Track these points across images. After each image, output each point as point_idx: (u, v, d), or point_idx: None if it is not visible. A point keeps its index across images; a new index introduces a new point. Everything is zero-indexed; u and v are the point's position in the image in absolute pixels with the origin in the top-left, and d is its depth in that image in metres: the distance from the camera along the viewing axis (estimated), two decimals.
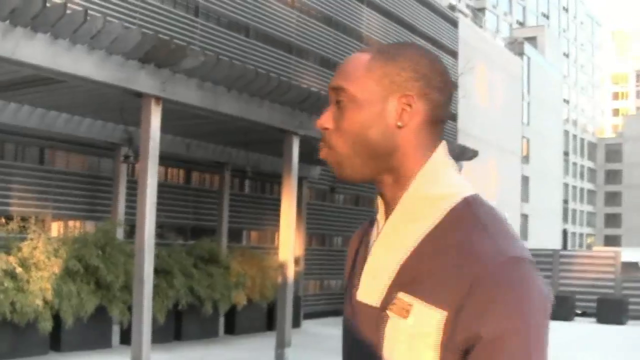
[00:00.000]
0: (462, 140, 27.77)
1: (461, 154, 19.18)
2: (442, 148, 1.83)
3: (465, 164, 20.69)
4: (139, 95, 10.49)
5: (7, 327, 12.59)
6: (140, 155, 10.68)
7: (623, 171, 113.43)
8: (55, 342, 13.70)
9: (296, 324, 16.09)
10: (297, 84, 14.92)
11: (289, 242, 13.45)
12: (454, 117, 30.77)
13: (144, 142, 10.59)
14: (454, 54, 31.18)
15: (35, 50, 8.98)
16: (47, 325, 12.97)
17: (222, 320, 17.45)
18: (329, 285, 23.10)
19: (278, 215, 16.83)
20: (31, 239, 13.57)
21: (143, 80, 10.29)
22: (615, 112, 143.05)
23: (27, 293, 12.60)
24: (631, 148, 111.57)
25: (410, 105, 1.78)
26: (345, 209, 23.91)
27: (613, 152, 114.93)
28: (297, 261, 14.33)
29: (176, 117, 12.01)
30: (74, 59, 9.40)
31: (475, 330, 1.63)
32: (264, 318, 18.45)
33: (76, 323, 13.47)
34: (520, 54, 56.60)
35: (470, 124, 31.26)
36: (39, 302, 12.71)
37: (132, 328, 10.61)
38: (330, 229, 23.18)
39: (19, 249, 13.30)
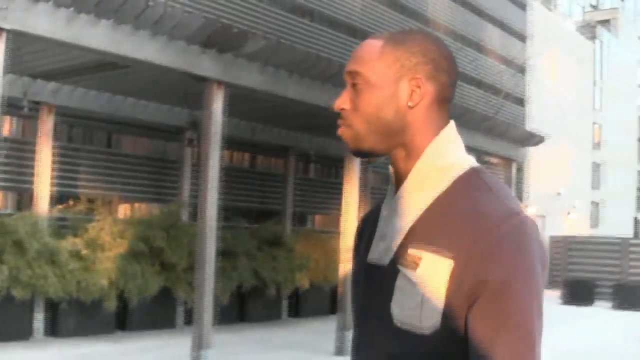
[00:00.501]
0: (531, 125, 27.53)
1: (528, 140, 19.08)
2: (450, 126, 1.98)
3: (533, 149, 20.58)
4: (202, 79, 10.65)
5: (75, 307, 12.91)
6: (203, 139, 10.84)
7: None
8: (122, 321, 13.99)
9: None
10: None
11: (352, 225, 13.52)
12: (522, 102, 30.48)
13: (206, 126, 10.76)
14: (522, 38, 30.86)
15: (99, 36, 9.18)
16: (112, 304, 13.25)
17: (285, 303, 17.60)
18: None
19: (337, 199, 16.91)
20: (98, 221, 13.85)
21: (205, 65, 10.45)
22: None
23: (93, 273, 12.88)
24: None
25: (419, 87, 1.93)
26: None
27: None
28: None
29: (241, 101, 12.13)
30: (137, 44, 9.59)
31: (482, 277, 1.78)
32: (328, 301, 18.51)
33: (141, 303, 13.74)
34: (593, 37, 55.65)
35: (539, 109, 30.95)
36: (104, 281, 12.99)
37: (195, 309, 10.79)
38: None
39: (86, 230, 13.58)
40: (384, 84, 1.95)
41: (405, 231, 1.93)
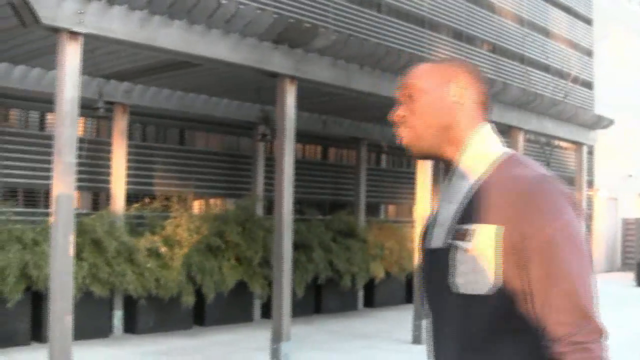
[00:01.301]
0: (599, 109, 27.19)
1: (597, 123, 18.88)
2: (488, 124, 2.43)
3: (601, 132, 20.35)
4: (274, 75, 10.73)
5: (154, 303, 13.10)
6: (277, 134, 10.93)
7: None
8: (199, 316, 14.16)
9: None
10: (430, 58, 14.92)
11: (424, 214, 13.53)
12: (589, 86, 30.12)
13: (280, 121, 10.85)
14: (588, 21, 30.50)
15: (173, 37, 9.31)
16: (190, 299, 13.43)
17: (360, 294, 17.66)
18: None
19: (414, 189, 16.86)
20: (174, 217, 14.04)
21: (277, 61, 10.53)
22: None
23: (170, 269, 13.06)
24: None
25: (464, 87, 2.38)
26: None
27: None
28: None
29: (311, 95, 12.21)
30: (210, 43, 9.69)
31: (527, 231, 2.13)
32: (403, 291, 18.55)
33: (218, 298, 13.90)
34: None
35: (607, 92, 30.53)
36: (182, 277, 13.16)
37: (273, 302, 10.89)
38: None
39: (163, 227, 13.77)
40: (434, 88, 2.38)
41: (458, 213, 2.28)
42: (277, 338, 10.72)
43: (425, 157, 2.49)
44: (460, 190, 2.33)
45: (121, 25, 8.80)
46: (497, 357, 2.19)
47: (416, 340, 13.26)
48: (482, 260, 2.16)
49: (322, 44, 10.80)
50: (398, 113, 2.45)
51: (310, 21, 13.55)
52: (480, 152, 2.36)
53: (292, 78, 10.80)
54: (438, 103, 2.38)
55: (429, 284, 2.40)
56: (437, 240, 2.34)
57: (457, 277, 2.23)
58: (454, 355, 2.27)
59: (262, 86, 12.90)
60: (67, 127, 8.41)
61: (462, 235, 2.23)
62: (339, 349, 12.68)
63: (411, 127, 2.41)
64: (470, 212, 2.25)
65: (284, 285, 10.74)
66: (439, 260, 2.30)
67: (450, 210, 2.33)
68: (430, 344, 2.42)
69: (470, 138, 2.38)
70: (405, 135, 2.44)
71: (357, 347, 12.89)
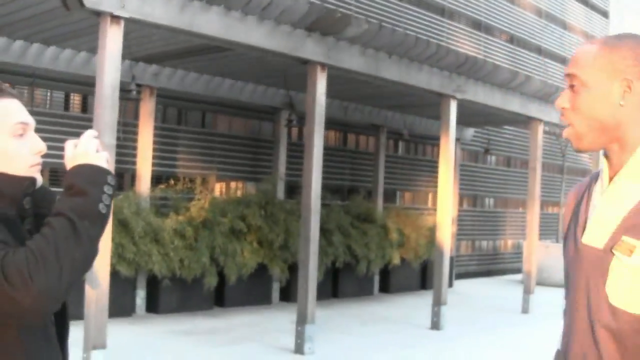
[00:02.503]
0: None
1: None
2: None
3: None
4: (305, 62, 10.89)
5: (177, 284, 13.29)
6: (307, 120, 11.07)
7: None
8: (219, 298, 14.34)
9: (449, 283, 16.36)
10: (453, 48, 15.07)
11: (447, 203, 13.70)
12: None
13: (309, 107, 11.00)
14: (605, 14, 30.54)
15: (211, 22, 9.47)
16: (212, 281, 13.62)
17: (377, 279, 17.84)
18: (480, 246, 23.19)
19: (431, 177, 17.02)
20: (198, 199, 14.20)
21: (309, 48, 10.69)
22: None
23: (194, 250, 13.24)
24: None
25: (630, 88, 2.20)
26: (497, 170, 23.92)
27: None
28: (451, 222, 14.56)
29: (335, 82, 12.35)
30: (246, 29, 9.85)
31: None
32: (418, 277, 18.74)
33: (239, 280, 14.07)
34: None
35: None
36: (205, 259, 13.34)
37: (299, 285, 11.04)
38: (483, 190, 23.26)
39: (187, 209, 13.95)
40: (598, 85, 2.23)
41: (620, 219, 2.17)
42: (301, 320, 10.89)
43: (586, 152, 2.39)
44: (625, 195, 2.20)
45: (162, 10, 8.96)
46: None
47: (435, 325, 13.44)
48: (637, 280, 2.08)
49: (354, 33, 10.96)
50: (559, 102, 2.34)
51: (342, 10, 13.65)
52: None
53: (323, 65, 10.96)
54: (601, 102, 2.24)
55: (577, 273, 2.31)
56: (595, 238, 2.24)
57: (608, 285, 2.16)
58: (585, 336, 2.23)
59: (289, 72, 13.05)
60: (108, 109, 8.59)
61: (621, 247, 2.13)
62: (360, 332, 12.86)
63: (571, 123, 2.30)
64: (634, 223, 2.14)
65: (310, 268, 10.90)
66: (593, 259, 2.23)
67: (613, 212, 2.21)
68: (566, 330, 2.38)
69: (638, 139, 2.23)
70: (566, 132, 2.34)
71: (378, 331, 13.07)
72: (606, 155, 2.31)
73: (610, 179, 2.28)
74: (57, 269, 2.07)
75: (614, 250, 2.14)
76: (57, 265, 2.07)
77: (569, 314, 2.32)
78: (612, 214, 2.20)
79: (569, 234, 2.40)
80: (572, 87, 2.29)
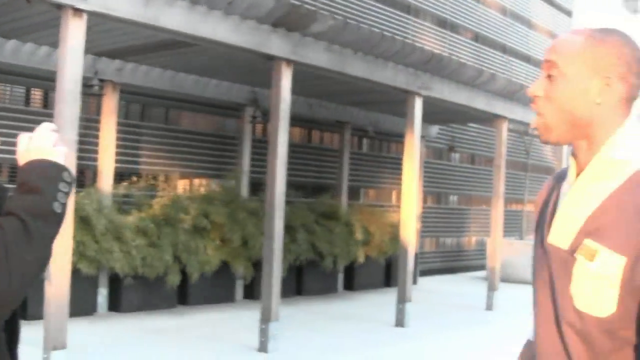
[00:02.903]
0: None
1: None
2: (631, 123, 2.16)
3: None
4: (271, 58, 10.78)
5: (139, 282, 13.14)
6: (272, 116, 10.97)
7: None
8: (183, 296, 14.22)
9: (413, 280, 16.34)
10: (419, 45, 15.03)
11: (412, 200, 13.66)
12: None
13: (274, 104, 10.89)
14: (568, 13, 30.69)
15: (176, 17, 9.34)
16: (175, 279, 13.48)
17: (341, 276, 17.78)
18: (444, 243, 23.22)
19: (396, 174, 16.94)
20: (161, 197, 14.07)
21: (275, 44, 10.58)
22: None
23: (157, 248, 13.10)
24: None
25: (609, 86, 2.12)
26: (462, 168, 23.94)
27: None
28: (415, 219, 14.52)
29: (300, 79, 12.26)
30: (211, 24, 9.73)
31: None
32: (382, 274, 18.72)
33: (202, 278, 13.96)
34: (635, 10, 54.96)
35: None
36: (168, 257, 13.21)
37: (262, 282, 10.95)
38: (447, 187, 23.27)
39: (150, 206, 13.81)
40: (578, 78, 2.13)
41: (583, 221, 2.10)
42: (266, 318, 10.80)
43: (553, 145, 2.30)
44: (588, 195, 2.14)
45: (126, 4, 8.82)
46: None
47: (399, 323, 13.40)
48: (599, 285, 2.04)
49: (320, 29, 10.87)
50: (532, 89, 2.22)
51: (308, 7, 13.55)
52: (616, 157, 2.13)
53: (288, 61, 10.86)
54: (578, 96, 2.15)
55: (540, 273, 2.28)
56: (559, 239, 2.18)
57: (572, 288, 2.11)
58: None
59: (253, 68, 12.94)
60: (69, 104, 8.44)
61: (583, 251, 2.08)
62: (325, 330, 12.79)
63: (542, 113, 2.21)
64: (596, 226, 2.08)
65: (274, 266, 10.80)
66: (557, 260, 2.19)
67: (577, 212, 2.15)
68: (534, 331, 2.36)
69: (609, 139, 2.15)
70: (535, 121, 2.24)
71: (343, 328, 13.01)
72: (573, 153, 2.24)
73: (577, 177, 2.21)
74: (6, 274, 1.94)
75: (576, 255, 2.10)
76: (5, 269, 1.94)
77: (537, 311, 2.29)
78: (576, 214, 2.15)
79: (537, 231, 2.36)
80: (549, 76, 2.20)
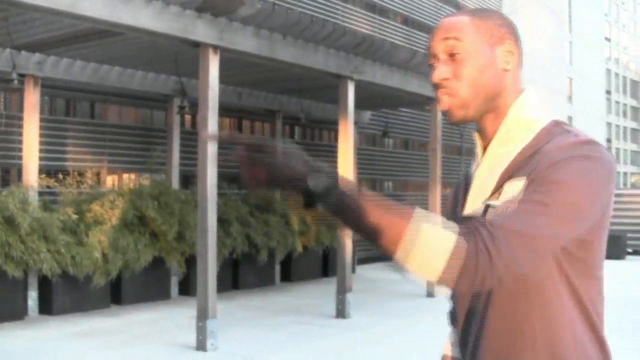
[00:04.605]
0: None
1: None
2: (529, 88, 2.23)
3: None
4: (197, 45, 10.39)
5: (70, 282, 12.71)
6: (200, 106, 10.57)
7: None
8: (116, 295, 13.81)
9: (352, 269, 16.10)
10: (350, 27, 14.75)
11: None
12: None
13: (202, 92, 10.51)
14: None
15: (94, 3, 8.91)
16: (105, 277, 13.03)
17: (278, 268, 17.51)
18: None
19: (329, 161, 16.62)
20: (89, 193, 13.64)
21: (201, 30, 10.20)
22: None
23: (86, 246, 12.68)
24: None
25: (511, 52, 2.18)
26: (395, 153, 23.80)
27: None
28: None
29: (228, 67, 11.92)
30: (132, 10, 9.32)
31: (544, 172, 1.94)
32: (319, 264, 18.52)
33: (135, 275, 13.58)
34: None
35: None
36: (97, 254, 12.78)
37: (198, 279, 10.59)
38: (381, 173, 23.10)
39: (78, 203, 13.37)
40: (483, 51, 2.14)
41: (494, 183, 2.11)
42: (202, 315, 10.43)
43: (465, 123, 2.27)
44: (499, 160, 2.15)
45: None
46: None
47: (340, 314, 13.15)
48: (507, 209, 1.98)
49: (247, 13, 10.50)
50: (439, 74, 2.17)
51: None
52: (522, 118, 2.18)
53: (215, 48, 10.48)
54: (488, 67, 2.15)
55: None
56: (473, 206, 2.17)
57: None
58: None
59: (179, 57, 12.57)
60: None
61: (496, 195, 2.08)
62: (264, 325, 12.48)
63: (453, 93, 2.16)
64: (507, 178, 2.08)
65: (209, 261, 10.45)
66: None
67: (490, 179, 2.15)
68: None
69: (515, 102, 2.19)
70: (447, 102, 2.18)
71: (283, 322, 12.72)
72: (478, 131, 2.27)
73: (484, 151, 2.25)
74: None
75: (487, 202, 2.09)
76: None
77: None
78: (489, 181, 2.15)
79: (447, 216, 2.30)
80: (451, 55, 2.16)
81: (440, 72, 2.16)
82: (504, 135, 2.17)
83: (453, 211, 2.34)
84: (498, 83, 2.16)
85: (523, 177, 2.00)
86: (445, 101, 2.18)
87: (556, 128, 2.12)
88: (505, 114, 2.18)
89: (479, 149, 2.27)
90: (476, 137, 2.29)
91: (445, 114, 2.21)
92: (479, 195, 2.17)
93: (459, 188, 2.37)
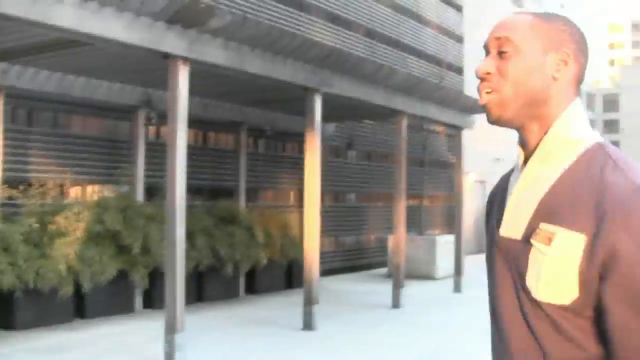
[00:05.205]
0: (470, 93, 27.64)
1: (475, 108, 19.03)
2: (578, 102, 2.14)
3: (474, 117, 20.59)
4: (166, 56, 10.32)
5: (32, 296, 12.50)
6: (169, 118, 10.48)
7: (620, 120, 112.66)
8: (80, 309, 13.64)
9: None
10: (318, 40, 14.76)
11: (315, 199, 13.37)
12: (460, 71, 30.64)
13: (171, 104, 10.43)
14: (459, 8, 30.99)
15: (65, 13, 8.82)
16: (69, 290, 12.85)
17: (242, 280, 17.42)
18: (344, 241, 23.04)
19: (293, 174, 16.62)
20: (52, 204, 13.49)
21: (171, 42, 10.13)
22: (611, 63, 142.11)
23: (50, 259, 12.51)
24: (627, 98, 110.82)
25: (565, 62, 2.10)
26: (359, 165, 23.80)
27: (610, 102, 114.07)
28: None
29: (195, 78, 11.83)
30: (103, 21, 9.24)
31: (613, 247, 1.84)
32: (283, 276, 18.46)
33: (99, 289, 13.42)
34: (520, 5, 56.28)
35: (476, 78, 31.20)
36: (61, 267, 12.61)
37: (166, 292, 10.48)
38: (344, 185, 23.09)
39: (41, 215, 13.20)
40: (534, 53, 2.09)
41: (534, 205, 2.04)
42: (170, 329, 10.34)
43: (502, 125, 2.20)
44: (539, 179, 2.08)
45: (11, 1, 8.27)
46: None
47: (307, 326, 13.12)
48: (559, 268, 1.94)
49: (218, 25, 10.45)
50: (484, 67, 2.14)
51: (204, 2, 13.14)
52: (565, 137, 2.09)
53: (185, 59, 10.42)
54: (536, 71, 2.08)
55: (499, 269, 2.17)
56: (512, 229, 2.11)
57: (528, 278, 2.02)
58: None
59: (147, 68, 12.48)
60: None
61: (539, 236, 1.99)
62: (232, 338, 12.43)
63: (496, 90, 2.12)
64: (550, 209, 2.01)
65: (177, 274, 10.38)
66: (512, 252, 2.09)
67: (528, 198, 2.08)
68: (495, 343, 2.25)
69: (559, 118, 2.10)
70: (486, 97, 2.15)
71: (250, 334, 12.68)
72: (521, 143, 2.18)
73: (526, 163, 2.16)
74: None
75: (532, 241, 2.01)
76: None
77: (500, 312, 2.16)
78: (527, 200, 2.09)
79: (488, 230, 2.31)
80: (500, 53, 2.13)
81: (485, 66, 2.14)
82: (544, 155, 2.09)
83: (487, 220, 2.35)
84: (544, 90, 2.09)
85: (582, 233, 1.91)
86: (484, 96, 2.15)
87: (600, 152, 2.03)
88: (549, 126, 2.11)
89: (520, 160, 2.17)
90: (518, 148, 2.19)
91: (483, 109, 2.17)
92: (512, 216, 2.12)
93: (496, 195, 2.34)
